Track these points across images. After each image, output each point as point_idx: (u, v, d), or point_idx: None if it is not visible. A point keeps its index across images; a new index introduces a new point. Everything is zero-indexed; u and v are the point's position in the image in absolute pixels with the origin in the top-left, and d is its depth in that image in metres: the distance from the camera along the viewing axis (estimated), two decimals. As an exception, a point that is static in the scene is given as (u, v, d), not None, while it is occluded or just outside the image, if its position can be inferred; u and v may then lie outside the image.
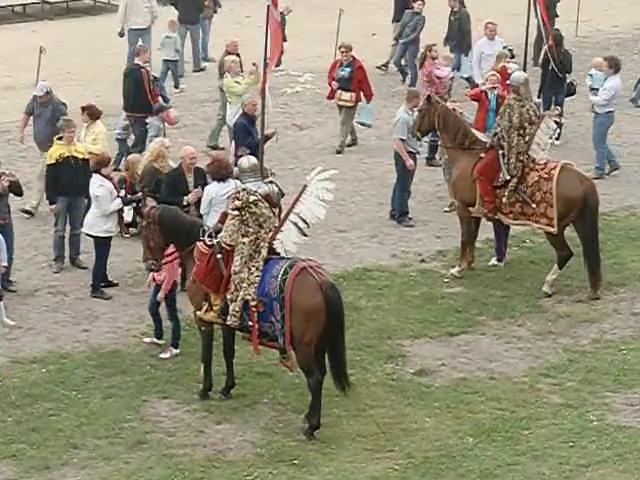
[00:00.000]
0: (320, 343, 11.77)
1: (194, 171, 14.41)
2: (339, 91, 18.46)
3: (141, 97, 17.27)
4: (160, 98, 17.61)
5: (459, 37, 21.05)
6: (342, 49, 18.75)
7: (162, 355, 13.17)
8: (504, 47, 18.64)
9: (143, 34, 21.38)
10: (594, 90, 18.02)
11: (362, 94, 18.64)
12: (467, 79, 20.55)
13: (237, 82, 17.83)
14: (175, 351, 13.18)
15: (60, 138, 15.01)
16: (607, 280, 14.82)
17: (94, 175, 14.51)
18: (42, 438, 11.76)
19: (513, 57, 18.33)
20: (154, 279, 13.11)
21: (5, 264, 13.93)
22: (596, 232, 14.61)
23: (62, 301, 14.45)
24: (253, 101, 15.98)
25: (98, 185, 14.39)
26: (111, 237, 14.59)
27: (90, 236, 14.60)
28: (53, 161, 14.92)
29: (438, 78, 18.20)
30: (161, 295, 13.09)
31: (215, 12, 22.93)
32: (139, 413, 12.20)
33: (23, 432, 11.84)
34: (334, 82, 18.58)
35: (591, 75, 18.42)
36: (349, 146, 18.73)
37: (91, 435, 11.83)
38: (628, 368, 13.08)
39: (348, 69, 18.51)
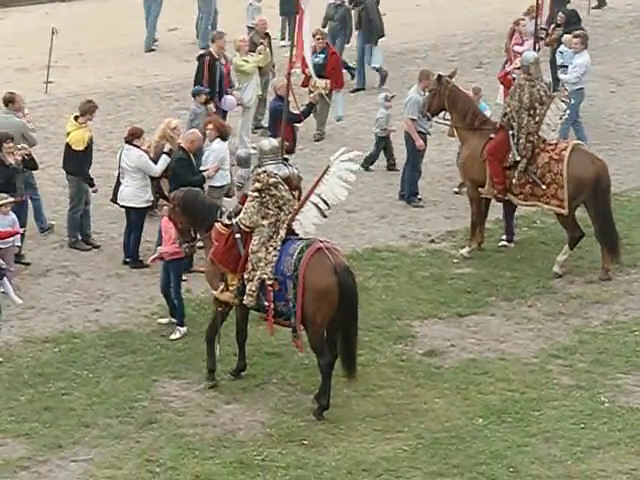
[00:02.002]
0: (333, 325, 11.78)
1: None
2: (313, 78, 18.17)
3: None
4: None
5: (368, 26, 20.32)
6: (317, 36, 18.39)
7: (172, 336, 13.19)
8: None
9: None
10: (563, 68, 17.85)
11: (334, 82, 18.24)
12: (377, 69, 20.34)
13: (246, 61, 17.82)
14: (183, 329, 13.21)
15: (76, 118, 14.99)
16: (619, 261, 14.77)
17: (128, 147, 14.51)
18: (54, 417, 11.83)
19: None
20: (161, 257, 13.14)
21: (19, 243, 14.00)
22: (610, 212, 14.54)
23: (74, 281, 14.50)
24: (284, 83, 16.10)
25: (138, 155, 14.44)
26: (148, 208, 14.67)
27: (130, 208, 14.59)
28: (85, 145, 14.89)
29: (518, 54, 17.94)
30: (155, 256, 13.16)
31: None
32: (149, 393, 12.25)
33: (36, 411, 11.90)
34: (308, 69, 18.33)
35: (561, 52, 18.22)
36: (316, 140, 18.30)
37: (102, 414, 11.89)
38: None
39: (322, 55, 18.31)
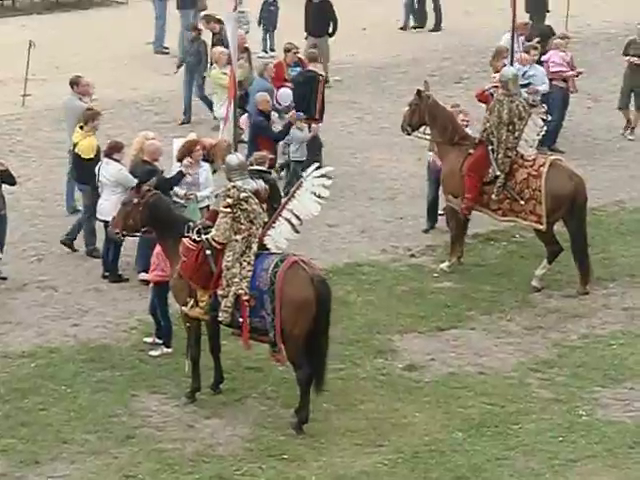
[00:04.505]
0: (310, 337, 11.76)
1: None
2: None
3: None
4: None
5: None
6: (293, 50, 18.28)
7: (152, 353, 13.13)
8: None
9: None
10: (524, 86, 17.78)
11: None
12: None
13: (224, 73, 17.83)
14: (167, 350, 13.16)
15: (82, 127, 15.03)
16: (596, 275, 14.84)
17: (107, 161, 14.49)
18: (31, 433, 11.74)
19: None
20: (151, 280, 13.14)
21: (1, 256, 13.97)
22: (584, 228, 14.63)
23: (51, 296, 14.42)
24: (266, 98, 16.13)
25: (117, 169, 14.43)
26: None
27: (109, 222, 14.54)
28: (95, 153, 14.84)
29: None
30: (144, 276, 13.11)
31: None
32: (128, 408, 12.18)
33: (12, 427, 11.81)
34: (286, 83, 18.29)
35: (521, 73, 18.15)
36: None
37: (80, 430, 11.81)
38: (617, 363, 13.09)
39: (298, 69, 18.20)
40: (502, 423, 11.99)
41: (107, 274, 14.76)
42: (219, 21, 19.50)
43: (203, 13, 21.23)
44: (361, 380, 12.67)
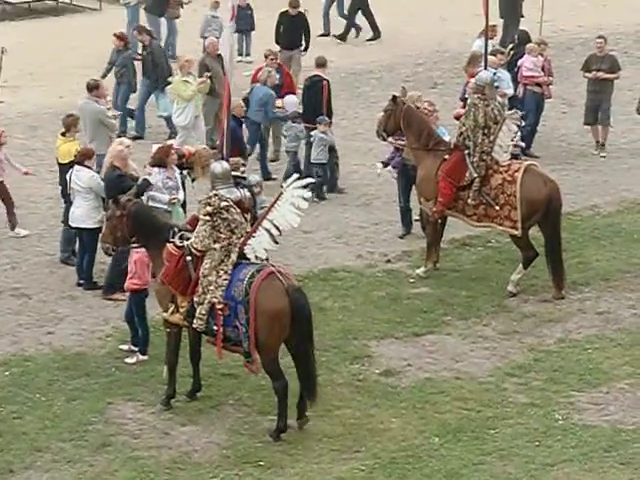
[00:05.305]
0: (295, 347, 11.75)
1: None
2: None
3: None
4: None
5: (155, 72, 19.02)
6: (271, 56, 18.35)
7: (128, 360, 13.08)
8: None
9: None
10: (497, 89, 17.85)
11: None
12: (166, 119, 18.78)
13: (186, 81, 17.75)
14: (142, 357, 13.10)
15: (63, 134, 15.10)
16: (572, 279, 14.89)
17: (79, 167, 14.43)
18: (5, 441, 11.66)
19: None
20: (127, 289, 13.08)
21: None
22: (558, 233, 14.68)
23: (25, 303, 14.34)
24: (239, 104, 16.16)
25: (90, 176, 14.36)
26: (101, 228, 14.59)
27: (83, 230, 14.48)
28: (72, 159, 14.76)
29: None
30: (125, 287, 13.09)
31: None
32: (104, 415, 12.12)
33: (-14, 436, 11.75)
34: None
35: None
36: (272, 161, 18.21)
37: (55, 438, 11.74)
38: (593, 367, 13.13)
39: (277, 75, 18.28)
40: (478, 428, 12.00)
41: (81, 282, 14.68)
42: (150, 35, 19.52)
43: (136, 24, 21.11)
44: (338, 386, 12.66)
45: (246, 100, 17.70)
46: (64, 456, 11.49)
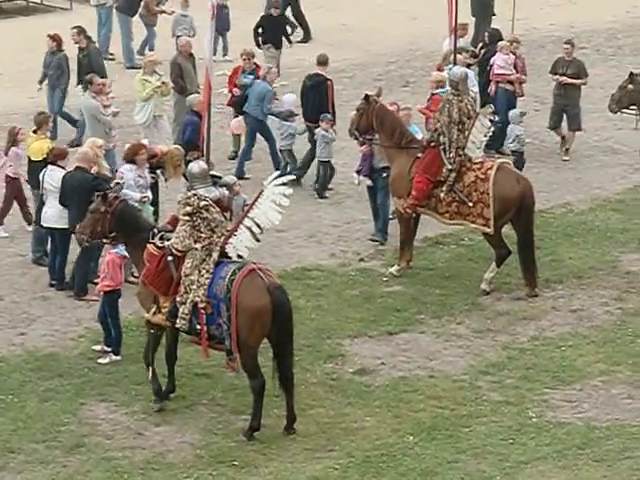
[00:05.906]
0: (276, 345, 11.74)
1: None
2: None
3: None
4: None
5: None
6: (244, 56, 18.24)
7: (100, 360, 13.04)
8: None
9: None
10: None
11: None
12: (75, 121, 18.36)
13: (146, 80, 17.64)
14: (115, 358, 13.05)
15: (35, 132, 15.06)
16: (545, 277, 14.94)
17: (52, 167, 14.35)
18: (-23, 443, 11.61)
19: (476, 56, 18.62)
20: (99, 290, 13.03)
21: None
22: (531, 231, 14.73)
23: (-3, 304, 14.27)
24: (201, 100, 16.20)
25: (62, 176, 14.25)
26: None
27: (55, 230, 14.38)
28: (44, 156, 14.67)
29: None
30: (98, 288, 13.02)
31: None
32: (77, 416, 12.07)
33: (-42, 437, 11.67)
34: (235, 89, 18.23)
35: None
36: (231, 159, 18.12)
37: (28, 439, 11.68)
38: (566, 365, 13.18)
39: (251, 76, 18.15)
40: (453, 426, 12.01)
41: (54, 282, 14.60)
42: (88, 37, 19.22)
43: (75, 25, 20.82)
44: (311, 385, 12.65)
45: (244, 96, 17.68)
46: (37, 457, 11.43)
